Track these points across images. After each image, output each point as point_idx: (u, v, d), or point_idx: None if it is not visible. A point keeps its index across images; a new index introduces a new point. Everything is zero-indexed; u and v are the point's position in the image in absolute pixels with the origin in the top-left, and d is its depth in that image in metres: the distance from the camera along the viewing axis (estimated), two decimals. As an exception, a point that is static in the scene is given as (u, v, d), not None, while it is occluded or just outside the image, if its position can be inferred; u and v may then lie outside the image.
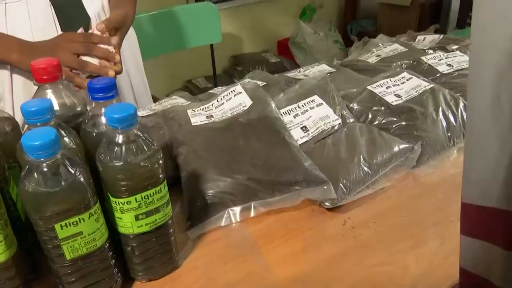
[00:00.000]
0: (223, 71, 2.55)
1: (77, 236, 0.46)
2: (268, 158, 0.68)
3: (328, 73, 1.01)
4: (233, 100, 0.78)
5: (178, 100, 0.90)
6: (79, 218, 0.45)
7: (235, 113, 0.76)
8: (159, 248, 0.54)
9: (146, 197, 0.49)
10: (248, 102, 0.77)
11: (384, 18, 2.64)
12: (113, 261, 0.51)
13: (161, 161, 0.50)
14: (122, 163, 0.47)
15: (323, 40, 2.56)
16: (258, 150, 0.69)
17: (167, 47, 1.69)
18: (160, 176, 0.50)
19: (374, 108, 0.84)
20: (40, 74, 0.53)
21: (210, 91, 0.96)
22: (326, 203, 0.66)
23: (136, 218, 0.50)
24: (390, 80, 0.91)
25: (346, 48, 2.66)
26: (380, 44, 1.20)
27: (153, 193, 0.50)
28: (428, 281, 0.55)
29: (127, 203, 0.49)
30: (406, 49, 1.14)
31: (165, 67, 2.31)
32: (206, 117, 0.76)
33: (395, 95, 0.86)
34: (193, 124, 0.74)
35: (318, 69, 1.05)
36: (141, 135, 0.49)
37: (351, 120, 0.81)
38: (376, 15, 2.72)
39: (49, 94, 0.54)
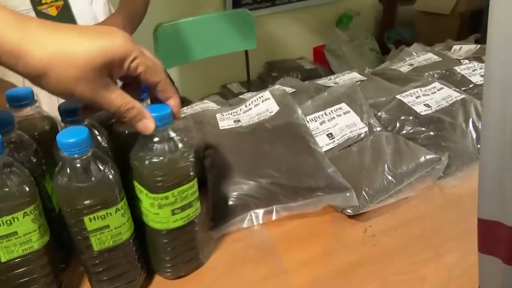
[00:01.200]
0: (258, 77, 2.58)
1: (104, 229, 0.49)
2: (292, 164, 0.70)
3: (358, 81, 1.01)
4: (260, 106, 0.80)
5: (209, 104, 0.92)
6: (106, 212, 0.48)
7: (262, 118, 0.77)
8: (187, 244, 0.56)
9: (181, 192, 0.52)
10: (275, 108, 0.78)
11: (422, 26, 2.60)
12: (137, 255, 0.54)
13: (192, 158, 0.53)
14: (160, 159, 0.50)
15: (359, 48, 2.55)
16: (282, 156, 0.71)
17: (203, 52, 1.73)
18: (192, 172, 0.53)
19: (402, 117, 0.84)
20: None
21: (241, 96, 0.98)
22: (348, 210, 0.67)
23: (173, 212, 0.53)
24: (420, 89, 0.90)
25: (382, 56, 2.63)
26: (413, 53, 1.19)
27: (187, 188, 0.52)
28: (446, 293, 0.55)
29: (164, 198, 0.52)
30: (440, 59, 1.12)
31: (201, 71, 2.36)
32: (234, 121, 0.78)
33: (424, 105, 0.86)
34: (220, 128, 0.76)
35: (349, 77, 1.05)
36: (175, 133, 0.52)
37: (378, 129, 0.81)
38: (414, 23, 2.68)
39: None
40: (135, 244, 0.53)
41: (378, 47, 2.67)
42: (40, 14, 0.85)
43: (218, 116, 0.80)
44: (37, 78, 0.41)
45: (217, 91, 2.49)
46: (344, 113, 0.82)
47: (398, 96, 0.88)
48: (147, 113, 0.48)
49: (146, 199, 0.52)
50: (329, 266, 0.59)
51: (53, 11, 0.86)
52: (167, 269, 0.57)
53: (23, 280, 0.49)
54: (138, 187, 0.52)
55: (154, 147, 0.50)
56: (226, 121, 0.78)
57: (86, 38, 0.41)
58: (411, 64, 1.11)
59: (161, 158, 0.50)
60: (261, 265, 0.60)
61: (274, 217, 0.67)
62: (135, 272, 0.54)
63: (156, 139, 0.50)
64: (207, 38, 1.70)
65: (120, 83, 0.50)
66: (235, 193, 0.67)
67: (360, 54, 2.55)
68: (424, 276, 0.57)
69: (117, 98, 0.45)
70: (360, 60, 2.53)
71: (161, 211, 0.52)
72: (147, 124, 0.48)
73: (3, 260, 0.47)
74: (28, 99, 0.55)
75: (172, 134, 0.51)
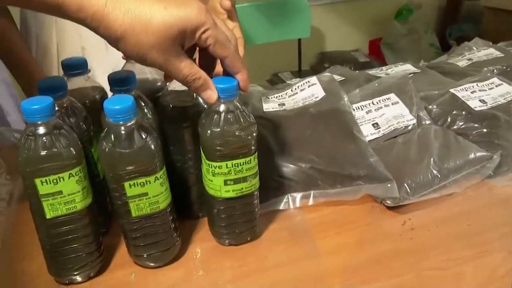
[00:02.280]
0: (310, 67, 2.55)
1: (143, 196, 0.51)
2: (333, 150, 0.69)
3: (411, 74, 0.98)
4: (306, 91, 0.79)
5: (256, 88, 0.93)
6: (145, 180, 0.50)
7: (307, 103, 0.77)
8: (242, 216, 0.58)
9: (236, 165, 0.53)
10: (321, 93, 0.78)
11: (489, 23, 2.46)
12: (173, 225, 0.56)
13: (254, 134, 0.54)
14: (219, 129, 0.52)
15: (418, 43, 2.46)
16: (324, 141, 0.70)
17: (257, 38, 1.74)
18: (252, 148, 0.54)
19: (455, 112, 0.80)
20: (128, 49, 0.59)
21: (288, 81, 0.98)
22: (388, 201, 0.65)
23: (225, 183, 0.54)
24: (477, 84, 0.86)
25: (442, 52, 2.52)
26: (474, 48, 1.13)
27: (242, 162, 0.54)
28: (484, 293, 0.52)
29: (218, 167, 0.53)
30: (502, 55, 1.06)
31: (253, 58, 2.37)
32: (278, 104, 0.78)
33: (480, 100, 0.82)
34: (264, 110, 0.77)
35: (402, 69, 1.02)
36: (239, 107, 0.53)
37: (428, 122, 0.79)
38: (480, 19, 2.54)
39: (135, 68, 0.60)
40: (172, 214, 0.55)
41: (438, 43, 2.56)
42: None
43: (263, 98, 0.81)
44: (115, 41, 0.44)
45: (267, 79, 2.50)
46: (392, 104, 0.80)
47: (451, 90, 0.84)
48: (212, 84, 0.50)
49: (204, 164, 0.55)
50: (363, 254, 0.58)
51: None
52: (222, 235, 0.59)
53: (65, 238, 0.52)
54: (201, 151, 0.55)
55: (216, 117, 0.52)
56: (270, 104, 0.79)
57: (164, 7, 0.43)
58: (470, 59, 1.06)
59: (219, 128, 0.52)
60: (293, 247, 0.60)
61: (311, 202, 0.67)
62: (170, 241, 0.56)
63: (219, 110, 0.52)
64: (261, 24, 1.70)
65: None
66: (275, 175, 0.67)
67: (418, 49, 2.46)
68: (462, 274, 0.55)
69: (185, 67, 0.47)
70: (418, 55, 2.44)
71: (214, 179, 0.54)
72: (211, 94, 0.50)
73: (48, 216, 0.50)
74: (81, 69, 0.58)
75: (236, 107, 0.52)
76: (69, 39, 0.96)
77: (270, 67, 2.47)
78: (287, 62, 2.38)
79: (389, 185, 0.65)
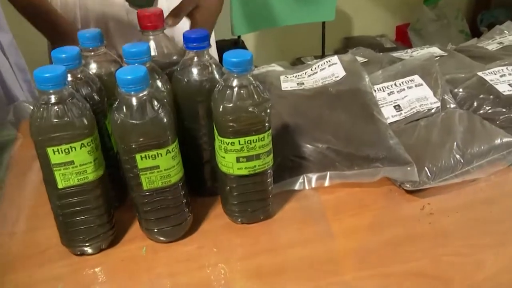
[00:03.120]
0: (334, 52, 2.50)
1: (154, 169, 0.50)
2: (352, 130, 0.67)
3: (438, 57, 0.94)
4: (326, 70, 0.77)
5: (275, 68, 0.91)
6: (157, 153, 0.49)
7: (326, 82, 0.75)
8: (254, 194, 0.57)
9: (248, 142, 0.52)
10: (341, 73, 0.75)
11: (523, 10, 2.37)
12: (185, 200, 0.55)
13: (268, 111, 0.52)
14: (231, 105, 0.51)
15: (447, 29, 2.38)
16: (342, 121, 0.68)
17: (280, 20, 1.71)
18: (266, 125, 0.53)
19: (481, 96, 0.77)
20: (144, 21, 0.58)
21: (309, 62, 0.95)
22: (407, 185, 0.63)
23: (237, 160, 0.53)
24: (506, 68, 0.82)
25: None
26: (505, 31, 1.08)
27: (256, 139, 0.53)
28: (504, 281, 0.50)
29: (231, 143, 0.52)
30: (536, 39, 1.01)
31: (276, 41, 2.34)
32: (297, 83, 0.76)
33: (509, 84, 0.78)
34: (282, 89, 0.75)
35: (428, 51, 0.99)
36: (253, 82, 0.52)
37: (452, 106, 0.76)
38: (514, 5, 2.44)
39: (151, 40, 0.59)
40: (183, 189, 0.54)
41: (468, 29, 2.48)
42: None
43: (282, 77, 0.79)
44: None
45: (289, 62, 2.46)
46: (415, 86, 0.77)
47: (479, 73, 0.81)
48: None
49: (216, 140, 0.54)
50: (378, 237, 0.56)
51: None
52: (234, 213, 0.58)
53: (77, 208, 0.52)
54: (214, 127, 0.54)
55: (228, 92, 0.51)
56: (289, 83, 0.77)
57: None
58: (501, 43, 1.01)
59: (232, 103, 0.50)
60: (306, 228, 0.59)
61: (327, 183, 0.65)
62: (182, 216, 0.55)
63: (232, 84, 0.51)
64: (284, 6, 1.67)
65: None
66: (291, 155, 0.66)
67: (447, 35, 2.38)
68: (482, 261, 0.52)
69: None
70: (446, 42, 2.35)
71: (227, 156, 0.53)
72: None
73: (59, 186, 0.50)
74: (97, 40, 0.57)
75: (250, 82, 0.51)
76: (91, 16, 0.96)
77: (292, 51, 2.44)
78: (310, 47, 2.34)
79: (408, 168, 0.63)
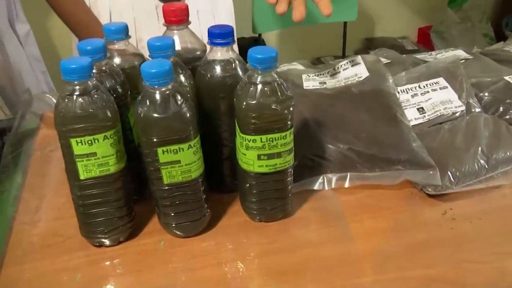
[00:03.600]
0: (355, 53, 2.48)
1: (175, 164, 0.50)
2: (374, 132, 0.66)
3: (463, 60, 0.92)
4: (349, 70, 0.76)
5: (296, 66, 0.90)
6: (178, 147, 0.49)
7: (349, 82, 0.74)
8: (274, 192, 0.57)
9: (270, 139, 0.52)
10: (364, 73, 0.74)
11: (550, 14, 2.31)
12: (204, 196, 0.55)
13: (291, 108, 0.52)
14: (254, 102, 0.50)
15: (471, 32, 2.34)
16: (364, 122, 0.67)
17: (301, 19, 1.70)
18: (288, 123, 0.52)
19: (508, 100, 0.75)
20: (169, 16, 0.58)
21: (331, 62, 0.95)
22: (429, 189, 0.62)
23: (258, 157, 0.53)
24: (535, 73, 0.80)
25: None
26: (533, 36, 1.06)
27: (278, 137, 0.52)
28: (528, 291, 0.49)
29: (252, 141, 0.52)
30: None
31: (296, 41, 2.33)
32: (319, 83, 0.76)
33: (537, 90, 0.76)
34: (304, 88, 0.74)
35: (453, 54, 0.97)
36: (277, 79, 0.51)
37: (477, 110, 0.74)
38: (541, 10, 2.39)
39: (175, 35, 0.59)
40: (203, 185, 0.54)
41: (493, 33, 2.43)
42: None
43: (303, 76, 0.78)
44: None
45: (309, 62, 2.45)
46: (440, 88, 0.76)
47: (506, 78, 0.79)
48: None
49: (238, 137, 0.54)
50: (398, 241, 0.56)
51: None
52: (252, 211, 0.58)
53: (97, 200, 0.52)
54: (236, 124, 0.54)
55: (252, 88, 0.51)
56: (311, 81, 0.76)
57: None
58: (529, 47, 0.99)
59: (255, 100, 0.50)
60: (325, 229, 0.58)
61: (347, 184, 0.64)
62: (201, 212, 0.55)
63: (256, 81, 0.50)
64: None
65: None
66: (310, 154, 0.65)
67: (470, 39, 2.34)
68: (504, 269, 0.51)
69: None
70: (470, 46, 2.32)
71: (248, 153, 0.53)
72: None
73: (81, 177, 0.50)
74: (122, 33, 0.58)
75: (274, 80, 0.51)
76: (121, 10, 0.97)
77: (312, 51, 2.42)
78: (330, 47, 2.32)
79: (431, 172, 0.62)
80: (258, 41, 1.89)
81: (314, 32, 2.12)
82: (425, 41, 2.50)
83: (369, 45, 2.44)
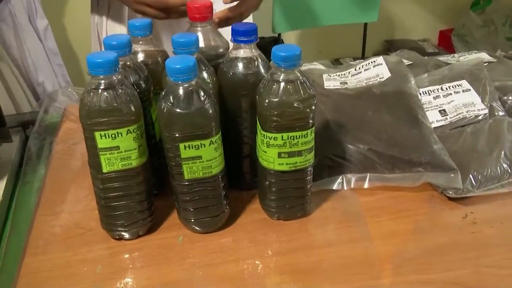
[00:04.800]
0: (374, 54, 2.45)
1: (196, 159, 0.50)
2: (395, 133, 0.65)
3: (486, 63, 0.91)
4: (371, 71, 0.76)
5: (317, 66, 0.90)
6: (200, 143, 0.49)
7: (370, 83, 0.73)
8: (293, 191, 0.57)
9: (291, 137, 0.52)
10: (386, 74, 0.74)
11: None
12: (224, 192, 0.55)
13: (313, 107, 0.52)
14: (277, 99, 0.50)
15: (494, 36, 2.30)
16: (385, 123, 0.67)
17: (321, 20, 1.69)
18: (310, 121, 0.53)
19: (533, 105, 0.74)
20: (193, 12, 0.58)
21: (351, 62, 0.94)
22: (449, 192, 0.61)
23: (279, 155, 0.53)
24: (561, 78, 0.79)
25: (520, 48, 2.35)
26: (559, 40, 1.04)
27: (299, 135, 0.52)
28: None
29: (273, 138, 0.52)
30: None
31: (315, 41, 2.32)
32: (340, 83, 0.75)
33: None
34: (325, 87, 0.74)
35: (476, 57, 0.95)
36: (300, 78, 0.51)
37: (501, 114, 0.73)
38: None
39: (198, 32, 0.59)
40: (223, 181, 0.55)
41: (516, 37, 2.38)
42: None
43: (324, 76, 0.78)
44: None
45: (328, 64, 2.44)
46: (463, 91, 0.75)
47: (531, 81, 0.78)
48: None
49: (259, 134, 0.54)
50: (417, 243, 0.55)
51: None
52: (271, 209, 0.58)
53: (119, 193, 0.53)
54: (257, 121, 0.54)
55: (275, 86, 0.51)
56: (332, 81, 0.76)
57: None
58: (555, 51, 0.97)
59: (277, 98, 0.50)
60: (343, 229, 0.58)
61: (366, 185, 0.64)
62: (220, 208, 0.56)
63: (279, 79, 0.50)
64: (326, 5, 1.65)
65: None
66: (330, 154, 0.65)
67: (493, 42, 2.30)
68: (527, 275, 0.50)
69: None
70: (493, 49, 2.28)
71: (268, 150, 0.53)
72: None
73: (104, 170, 0.51)
74: (146, 30, 0.58)
75: (297, 78, 0.51)
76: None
77: (331, 52, 2.41)
78: (349, 48, 2.31)
79: (452, 175, 0.61)
80: (277, 41, 1.89)
81: (333, 33, 2.11)
82: (446, 44, 2.47)
83: (389, 47, 2.41)
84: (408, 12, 2.42)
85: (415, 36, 2.48)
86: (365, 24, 1.83)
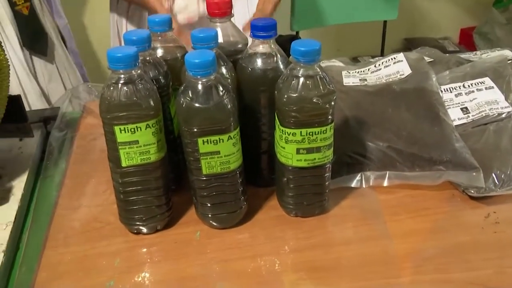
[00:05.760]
0: (393, 53, 2.43)
1: (215, 154, 0.50)
2: (415, 130, 0.64)
3: (510, 60, 0.89)
4: (391, 67, 0.75)
5: (335, 63, 0.89)
6: (219, 138, 0.49)
7: (390, 80, 0.72)
8: (311, 188, 0.56)
9: (310, 133, 0.52)
10: (407, 71, 0.73)
11: None
12: (242, 188, 0.55)
13: (333, 103, 0.51)
14: (296, 95, 0.50)
15: (517, 34, 2.25)
16: (406, 120, 0.66)
17: (340, 17, 1.67)
18: (329, 117, 0.52)
19: (558, 103, 0.72)
20: (212, 8, 0.58)
21: (371, 60, 0.93)
22: (471, 191, 0.60)
23: (297, 151, 0.53)
24: None
25: (544, 46, 2.29)
26: None
27: (318, 131, 0.52)
28: None
29: (292, 134, 0.52)
30: None
31: (333, 39, 2.31)
32: (360, 79, 0.74)
33: None
34: (344, 84, 0.73)
35: (500, 54, 0.93)
36: (320, 73, 0.51)
37: (525, 112, 0.71)
38: None
39: (217, 27, 0.59)
40: (241, 176, 0.54)
41: (540, 35, 2.32)
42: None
43: (343, 73, 0.77)
44: None
45: (346, 62, 2.41)
46: (486, 88, 0.73)
47: (557, 79, 0.76)
48: None
49: (277, 130, 0.53)
50: (438, 242, 0.54)
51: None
52: (288, 205, 0.58)
53: (137, 187, 0.53)
54: (276, 117, 0.53)
55: (294, 81, 0.50)
56: (351, 78, 0.75)
57: None
58: None
59: (297, 93, 0.50)
60: (362, 226, 0.57)
61: (386, 183, 0.63)
62: (238, 204, 0.55)
63: (298, 74, 0.50)
64: (346, 2, 1.63)
65: None
66: (349, 151, 0.64)
67: (516, 41, 2.25)
68: (551, 277, 0.49)
69: None
70: (515, 48, 2.23)
71: (287, 146, 0.53)
72: None
73: (123, 164, 0.51)
74: (165, 25, 0.58)
75: (316, 73, 0.50)
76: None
77: (350, 51, 2.39)
78: (367, 46, 2.28)
79: (474, 173, 0.60)
80: (295, 39, 1.88)
81: (352, 31, 2.09)
82: (468, 42, 2.42)
83: (408, 46, 2.38)
84: (428, 9, 2.38)
85: (435, 34, 2.44)
86: (385, 21, 1.80)
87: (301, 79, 0.50)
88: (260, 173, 0.63)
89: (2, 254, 0.54)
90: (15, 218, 0.59)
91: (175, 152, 0.61)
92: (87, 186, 0.67)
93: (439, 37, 2.43)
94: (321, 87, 0.50)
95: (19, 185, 0.65)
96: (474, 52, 0.98)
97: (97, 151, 0.74)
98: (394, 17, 1.69)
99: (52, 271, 0.53)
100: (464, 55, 0.94)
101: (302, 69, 0.50)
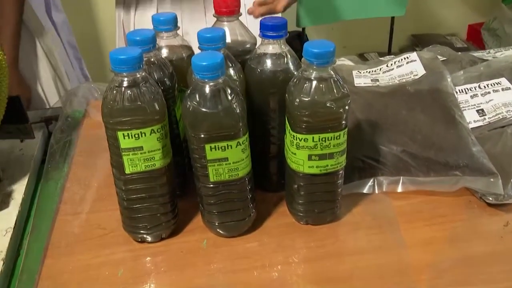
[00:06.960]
0: (400, 49, 2.40)
1: (223, 161, 0.48)
2: (431, 134, 0.62)
3: (525, 59, 0.86)
4: (404, 67, 0.72)
5: (345, 62, 0.87)
6: (227, 144, 0.47)
7: (404, 80, 0.70)
8: (323, 195, 0.54)
9: (323, 139, 0.49)
10: (420, 71, 0.70)
11: None
12: (250, 195, 0.53)
13: (347, 107, 0.49)
14: (308, 99, 0.48)
15: (526, 30, 2.21)
16: (420, 123, 0.63)
17: (347, 13, 1.64)
18: (343, 122, 0.50)
19: None
20: (220, 6, 0.56)
21: (381, 58, 0.90)
22: (489, 198, 0.58)
23: (309, 157, 0.51)
24: None
25: (554, 43, 2.25)
26: None
27: (331, 137, 0.49)
28: None
29: (304, 140, 0.50)
30: None
31: (339, 36, 2.27)
32: (371, 80, 0.72)
33: None
34: (355, 85, 0.71)
35: (513, 53, 0.90)
36: (334, 76, 0.48)
37: (544, 114, 0.68)
38: None
39: (225, 26, 0.57)
40: (250, 183, 0.52)
41: (550, 31, 2.28)
42: None
43: (354, 72, 0.75)
44: None
45: (352, 59, 2.38)
46: (502, 89, 0.71)
47: None
48: None
49: (288, 135, 0.51)
50: (456, 251, 0.52)
51: None
52: (299, 213, 0.56)
53: (142, 195, 0.51)
54: (286, 121, 0.51)
55: (306, 85, 0.48)
56: (362, 78, 0.73)
57: None
58: None
59: (309, 97, 0.47)
60: (376, 235, 0.55)
61: (400, 189, 0.61)
62: (246, 211, 0.53)
63: (311, 77, 0.48)
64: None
65: None
66: (362, 156, 0.62)
67: (525, 37, 2.21)
68: None
69: None
70: (524, 44, 2.19)
71: (298, 152, 0.51)
72: None
73: (127, 171, 0.49)
74: (170, 24, 0.56)
75: (330, 76, 0.48)
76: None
77: (355, 47, 2.35)
78: (374, 43, 2.25)
79: (492, 179, 0.57)
80: (301, 35, 1.85)
81: (358, 27, 2.06)
82: (476, 38, 2.38)
83: (416, 42, 2.35)
84: (436, 5, 2.34)
85: (443, 30, 2.41)
86: (392, 18, 1.77)
87: (314, 82, 0.48)
88: (269, 177, 0.61)
89: (2, 262, 0.52)
90: (15, 224, 0.57)
91: (181, 156, 0.59)
92: (90, 191, 0.64)
93: (446, 34, 2.39)
94: (335, 90, 0.48)
95: (19, 189, 0.63)
96: (488, 50, 0.95)
97: (100, 154, 0.71)
98: (402, 14, 1.66)
99: (53, 280, 0.51)
100: (477, 54, 0.92)
101: (315, 72, 0.48)
